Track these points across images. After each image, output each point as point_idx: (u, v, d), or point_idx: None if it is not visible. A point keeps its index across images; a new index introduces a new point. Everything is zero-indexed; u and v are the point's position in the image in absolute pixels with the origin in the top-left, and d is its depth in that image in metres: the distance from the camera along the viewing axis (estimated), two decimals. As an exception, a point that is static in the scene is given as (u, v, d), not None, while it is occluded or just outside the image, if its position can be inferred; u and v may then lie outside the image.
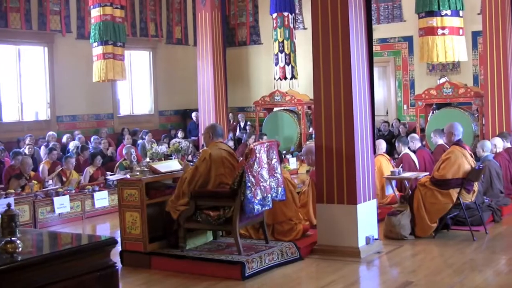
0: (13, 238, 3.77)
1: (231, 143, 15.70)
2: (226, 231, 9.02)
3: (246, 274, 7.77)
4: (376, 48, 19.20)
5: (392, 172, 11.33)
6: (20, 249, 3.77)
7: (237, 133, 19.93)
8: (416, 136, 13.23)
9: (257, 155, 8.15)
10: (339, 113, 8.71)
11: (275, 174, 8.51)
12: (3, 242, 3.77)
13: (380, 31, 19.46)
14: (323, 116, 8.84)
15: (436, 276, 7.73)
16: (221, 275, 7.89)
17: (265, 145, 8.42)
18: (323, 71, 8.84)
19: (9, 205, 3.87)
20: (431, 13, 12.12)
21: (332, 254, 8.64)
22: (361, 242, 8.67)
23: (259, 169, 8.16)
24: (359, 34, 8.89)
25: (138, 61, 21.38)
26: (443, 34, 12.06)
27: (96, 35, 14.86)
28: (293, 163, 15.19)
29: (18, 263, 3.67)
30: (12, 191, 11.83)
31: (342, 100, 8.69)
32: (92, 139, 17.03)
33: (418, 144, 12.72)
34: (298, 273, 8.17)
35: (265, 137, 15.46)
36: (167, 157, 10.91)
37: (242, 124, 20.52)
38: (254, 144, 8.41)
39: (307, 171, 14.39)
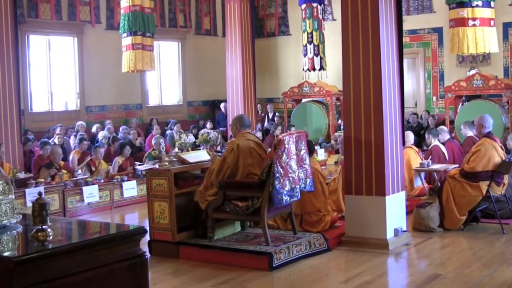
0: (44, 227, 3.80)
1: (259, 134, 15.70)
2: (254, 222, 9.02)
3: (274, 265, 7.77)
4: (405, 39, 19.01)
5: (421, 164, 11.26)
6: (51, 237, 3.80)
7: (265, 124, 19.92)
8: (444, 128, 13.12)
9: (286, 146, 8.13)
10: (368, 104, 8.68)
11: (303, 165, 8.49)
12: (34, 230, 3.80)
13: (410, 22, 19.31)
14: (352, 107, 8.81)
15: (465, 269, 7.68)
16: (249, 265, 7.90)
17: (294, 136, 8.40)
18: (353, 62, 8.80)
19: (40, 193, 3.90)
20: (462, 4, 11.99)
21: (360, 246, 8.62)
22: (390, 234, 8.64)
23: (287, 160, 8.15)
24: (389, 25, 8.83)
25: (167, 52, 21.43)
26: (474, 25, 11.93)
27: (126, 25, 14.89)
28: (321, 154, 15.14)
29: (48, 251, 3.69)
30: (42, 180, 11.92)
31: (371, 91, 8.65)
32: (120, 129, 17.13)
33: (447, 136, 12.62)
34: (326, 264, 8.15)
35: (293, 128, 15.41)
36: (195, 147, 10.94)
37: (270, 115, 20.50)
38: (283, 135, 8.40)
39: (335, 162, 14.38)
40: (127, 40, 14.95)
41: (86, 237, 4.29)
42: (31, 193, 11.02)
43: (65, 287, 3.70)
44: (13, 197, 4.36)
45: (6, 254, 3.86)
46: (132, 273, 3.99)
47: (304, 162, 8.53)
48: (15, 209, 4.33)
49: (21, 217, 4.34)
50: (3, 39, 12.63)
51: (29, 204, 10.92)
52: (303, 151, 8.52)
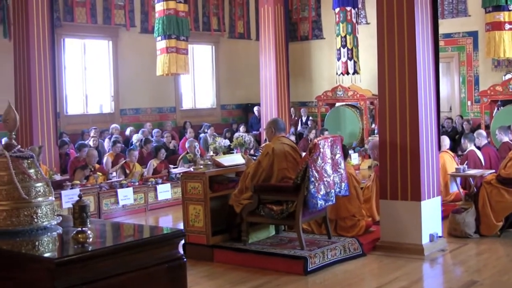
0: (84, 228, 3.83)
1: (292, 138, 15.66)
2: (288, 226, 9.01)
3: (308, 269, 7.75)
4: (440, 43, 18.91)
5: (457, 169, 11.16)
6: (91, 239, 3.83)
7: (299, 127, 19.89)
8: (483, 132, 12.97)
9: (321, 150, 8.12)
10: (403, 109, 8.62)
11: (338, 169, 8.46)
12: (74, 232, 3.83)
13: (444, 26, 19.15)
14: (388, 112, 8.76)
15: (502, 276, 7.60)
16: (283, 269, 7.89)
17: (329, 140, 8.38)
18: (388, 66, 8.76)
19: (80, 195, 3.94)
20: (499, 8, 11.93)
21: (395, 251, 8.57)
22: (425, 240, 8.57)
23: (322, 164, 8.13)
24: (425, 28, 8.77)
25: (201, 55, 21.50)
26: (511, 29, 11.83)
27: (160, 29, 14.94)
28: (355, 158, 15.08)
29: (88, 253, 3.72)
30: (78, 182, 12.03)
31: (407, 95, 8.60)
32: (153, 132, 17.22)
33: (484, 141, 12.49)
34: (360, 269, 8.12)
35: (326, 132, 15.38)
36: (228, 151, 10.96)
37: (303, 119, 20.47)
38: (318, 139, 8.38)
39: (369, 167, 14.31)
40: (161, 44, 15.00)
41: (126, 240, 4.31)
42: (67, 195, 11.14)
43: (104, 289, 3.72)
44: (53, 199, 4.40)
45: (46, 255, 3.91)
46: (170, 276, 4.01)
47: (339, 166, 8.50)
48: (55, 211, 4.37)
49: (61, 218, 4.38)
50: (40, 43, 12.76)
51: (65, 206, 11.03)
52: (338, 155, 8.49)
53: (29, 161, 4.34)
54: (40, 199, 4.27)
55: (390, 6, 8.73)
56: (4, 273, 3.82)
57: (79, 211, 3.83)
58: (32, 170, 4.32)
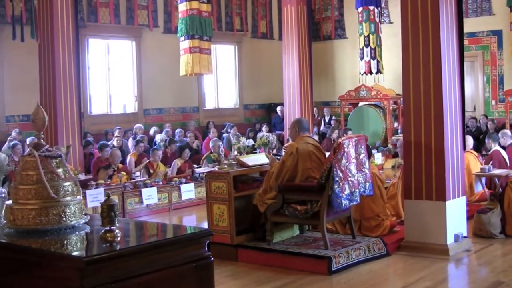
0: (112, 227, 3.85)
1: (315, 138, 15.65)
2: (312, 225, 9.01)
3: (333, 269, 7.75)
4: (464, 42, 18.82)
5: (482, 169, 11.10)
6: (119, 238, 3.85)
7: (322, 127, 19.86)
8: (508, 132, 12.85)
9: (345, 149, 8.11)
10: (428, 108, 8.60)
11: (363, 169, 8.45)
12: (102, 231, 3.85)
13: (468, 24, 18.97)
14: (412, 111, 8.74)
15: (529, 276, 7.55)
16: (308, 269, 7.89)
17: (354, 140, 8.37)
18: (413, 65, 8.73)
19: (108, 195, 3.96)
20: (524, 6, 11.82)
21: (419, 251, 8.54)
22: (450, 240, 8.54)
23: (347, 163, 8.12)
24: (450, 27, 8.74)
25: (224, 55, 21.52)
26: (536, 28, 11.74)
27: (183, 29, 14.96)
28: (378, 158, 15.06)
29: (117, 251, 3.74)
30: (102, 181, 12.10)
31: (431, 94, 8.57)
32: (176, 131, 17.28)
33: (509, 141, 12.38)
34: (385, 269, 8.10)
35: (349, 132, 15.35)
36: (252, 150, 10.97)
37: (327, 119, 20.43)
38: (342, 138, 8.38)
39: (392, 167, 14.26)
40: (184, 44, 15.03)
41: (153, 239, 4.33)
42: (92, 194, 11.20)
43: (133, 288, 3.74)
44: (81, 198, 4.43)
45: (75, 254, 3.94)
46: (198, 275, 4.03)
47: (364, 166, 8.49)
48: (83, 210, 4.40)
49: (88, 217, 4.41)
50: (65, 44, 12.84)
51: (90, 205, 11.10)
52: (362, 155, 8.49)
53: (57, 161, 4.37)
54: (68, 198, 4.31)
55: (415, 5, 8.70)
56: (34, 271, 3.86)
57: (108, 210, 3.86)
58: (60, 170, 4.36)
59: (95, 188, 11.59)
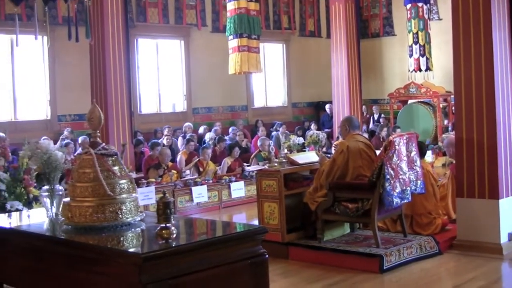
0: (168, 225, 3.89)
1: (365, 136, 15.58)
2: (363, 224, 8.96)
3: (384, 267, 7.70)
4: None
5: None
6: (175, 235, 3.89)
7: (371, 125, 19.77)
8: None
9: (396, 147, 8.06)
10: (480, 106, 8.48)
11: (414, 167, 8.39)
12: (158, 228, 3.90)
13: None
14: (464, 108, 8.63)
15: None
16: (359, 267, 7.85)
17: (405, 138, 8.32)
18: (464, 62, 8.62)
19: (164, 192, 4.01)
20: None
21: (472, 250, 8.42)
22: (503, 239, 8.40)
23: (398, 161, 8.08)
24: (502, 24, 8.61)
25: (272, 54, 21.56)
26: None
27: (231, 28, 15.00)
28: (428, 156, 14.90)
29: (173, 248, 3.79)
30: (153, 180, 12.21)
31: (483, 91, 8.46)
32: (230, 129, 17.36)
33: None
34: (437, 268, 8.02)
35: (398, 130, 15.26)
36: (301, 148, 10.96)
37: (376, 117, 20.34)
38: (393, 136, 8.33)
39: (443, 165, 14.14)
40: (233, 43, 15.06)
41: (209, 236, 4.38)
42: (143, 193, 11.29)
43: (189, 284, 3.78)
44: (137, 195, 4.50)
45: (131, 250, 4.00)
46: (253, 272, 4.06)
47: (415, 163, 8.43)
48: (138, 207, 4.46)
49: (144, 214, 4.47)
50: (115, 43, 12.98)
51: (141, 203, 11.18)
52: (413, 153, 8.43)
53: (113, 159, 4.45)
54: (124, 195, 4.38)
55: (466, 2, 8.60)
56: (93, 267, 3.93)
57: (163, 207, 3.90)
58: (116, 168, 4.43)
59: (146, 186, 11.70)
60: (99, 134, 4.57)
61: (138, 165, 13.91)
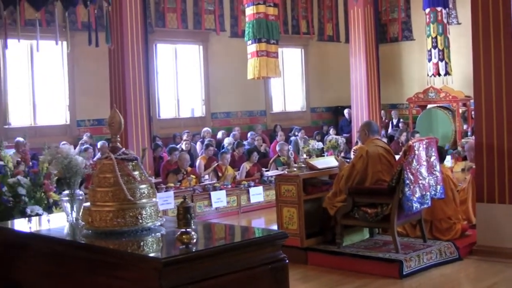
0: (188, 230, 3.89)
1: (384, 140, 15.55)
2: (382, 229, 8.93)
3: (404, 273, 7.67)
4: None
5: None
6: (195, 240, 3.89)
7: (389, 130, 19.72)
8: None
9: (416, 152, 8.04)
10: (500, 110, 8.44)
11: (434, 172, 8.36)
12: (179, 233, 3.90)
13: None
14: (484, 113, 8.59)
15: None
16: (378, 273, 7.82)
17: (424, 142, 8.29)
18: (484, 67, 8.58)
19: (184, 197, 4.02)
20: None
21: (492, 256, 8.35)
22: (524, 244, 8.36)
23: (418, 166, 8.05)
24: (522, 28, 8.57)
25: (290, 58, 21.57)
26: None
27: (250, 33, 15.03)
28: (447, 161, 14.83)
29: (194, 253, 3.79)
30: (172, 185, 12.25)
31: (504, 96, 8.41)
32: (248, 134, 17.38)
33: None
34: (457, 273, 7.98)
35: (417, 135, 15.19)
36: (320, 153, 10.95)
37: (394, 121, 20.29)
38: (413, 141, 8.31)
39: (462, 169, 14.07)
40: (251, 47, 15.09)
41: (229, 241, 4.37)
42: (162, 198, 11.32)
43: (209, 289, 3.78)
44: (157, 200, 4.51)
45: (151, 255, 4.00)
46: (274, 277, 4.04)
47: (435, 168, 8.40)
48: (158, 212, 4.47)
49: (164, 219, 4.47)
50: (134, 49, 13.01)
51: (160, 208, 11.19)
52: (433, 158, 8.40)
53: (133, 163, 4.46)
54: (144, 200, 4.39)
55: (485, 6, 8.56)
56: (113, 272, 3.93)
57: (184, 212, 3.90)
58: (136, 172, 4.44)
59: (165, 191, 11.72)
60: (119, 139, 4.58)
61: (157, 170, 13.94)
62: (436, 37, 17.92)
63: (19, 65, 15.88)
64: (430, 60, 18.08)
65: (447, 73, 17.89)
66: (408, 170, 7.90)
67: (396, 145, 16.11)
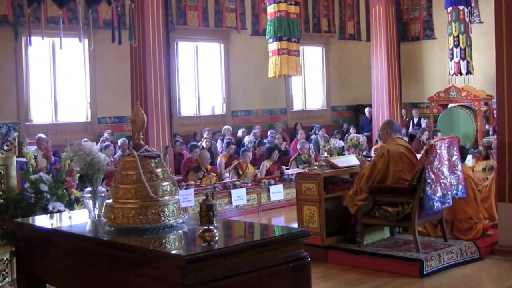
0: (210, 227, 3.90)
1: (405, 139, 15.48)
2: (403, 228, 8.91)
3: (424, 272, 7.65)
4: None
5: None
6: (217, 237, 3.90)
7: (410, 129, 19.64)
8: None
9: (438, 151, 8.01)
10: (523, 109, 8.40)
11: (455, 171, 8.33)
12: (201, 230, 3.91)
13: None
14: (506, 112, 8.54)
15: None
16: (399, 272, 7.81)
17: (446, 141, 8.26)
18: (507, 66, 8.53)
19: (207, 194, 4.02)
20: None
21: (514, 255, 8.34)
22: (547, 244, 8.31)
23: (439, 165, 8.02)
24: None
25: (311, 57, 21.53)
26: None
27: (271, 31, 15.01)
28: (468, 160, 14.76)
29: (217, 251, 3.79)
30: (193, 182, 12.28)
31: (526, 96, 8.37)
32: (268, 133, 17.38)
33: None
34: (478, 273, 7.95)
35: (439, 134, 15.13)
36: (341, 152, 10.93)
37: (415, 120, 20.21)
38: (434, 140, 8.28)
39: (483, 169, 13.99)
40: (273, 46, 15.07)
41: (251, 238, 4.38)
42: (182, 195, 11.34)
43: (231, 287, 3.78)
44: (179, 197, 4.52)
45: (173, 252, 4.02)
46: (295, 275, 4.03)
47: (456, 168, 8.36)
48: (181, 209, 4.48)
49: (186, 217, 4.49)
50: (156, 46, 13.04)
51: (181, 205, 11.24)
52: (455, 157, 8.36)
53: (156, 161, 4.47)
54: (166, 197, 4.40)
55: (509, 4, 8.51)
56: (135, 269, 3.95)
57: (206, 209, 3.91)
58: (159, 170, 4.45)
59: (185, 189, 11.76)
60: (142, 136, 4.59)
61: (177, 167, 13.98)
62: (458, 36, 17.81)
63: (41, 63, 15.97)
64: (451, 59, 17.98)
65: (468, 72, 17.78)
66: (429, 169, 7.87)
67: (418, 143, 16.02)
